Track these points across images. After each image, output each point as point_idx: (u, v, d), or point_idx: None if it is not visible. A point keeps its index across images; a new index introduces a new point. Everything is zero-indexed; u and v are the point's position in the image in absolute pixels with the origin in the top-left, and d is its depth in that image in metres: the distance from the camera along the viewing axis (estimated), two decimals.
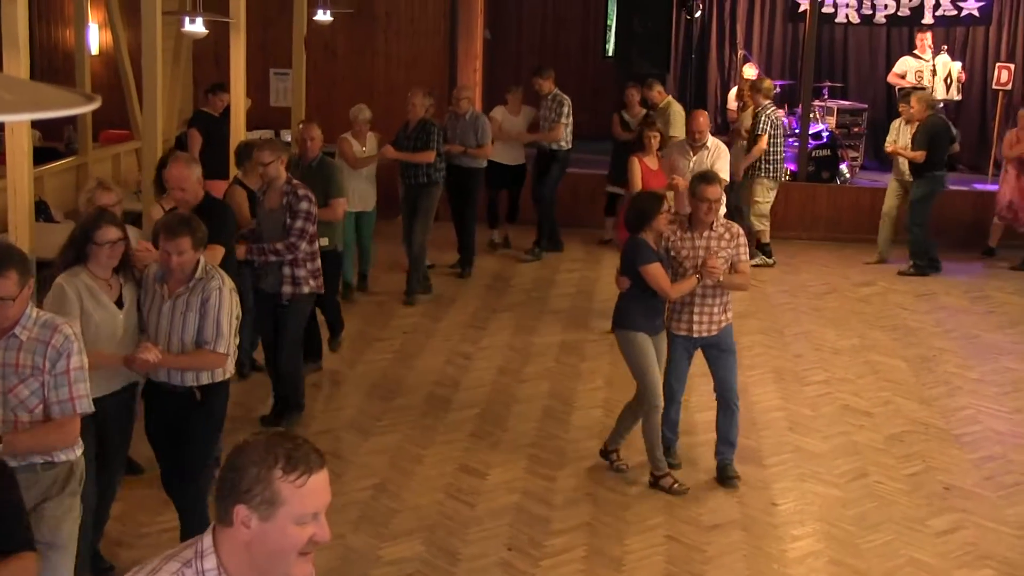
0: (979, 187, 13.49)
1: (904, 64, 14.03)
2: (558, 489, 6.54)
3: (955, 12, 14.76)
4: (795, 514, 6.32)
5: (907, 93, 11.90)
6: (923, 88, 13.59)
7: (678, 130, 11.47)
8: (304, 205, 7.02)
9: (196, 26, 9.88)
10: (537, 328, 9.61)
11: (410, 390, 8.08)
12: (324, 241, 7.91)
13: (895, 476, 6.83)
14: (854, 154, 14.01)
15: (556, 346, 9.14)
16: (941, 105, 13.70)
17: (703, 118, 9.22)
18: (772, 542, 6.01)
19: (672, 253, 6.45)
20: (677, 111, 11.70)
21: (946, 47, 14.21)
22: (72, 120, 11.23)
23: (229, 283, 5.24)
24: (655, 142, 9.24)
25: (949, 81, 13.77)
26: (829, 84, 14.64)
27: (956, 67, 13.87)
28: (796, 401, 8.05)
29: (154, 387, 5.30)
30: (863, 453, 7.15)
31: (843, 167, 13.51)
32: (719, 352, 6.58)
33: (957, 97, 13.86)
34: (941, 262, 11.67)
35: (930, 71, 13.75)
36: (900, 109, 11.78)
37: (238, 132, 9.48)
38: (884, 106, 15.12)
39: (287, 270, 7.10)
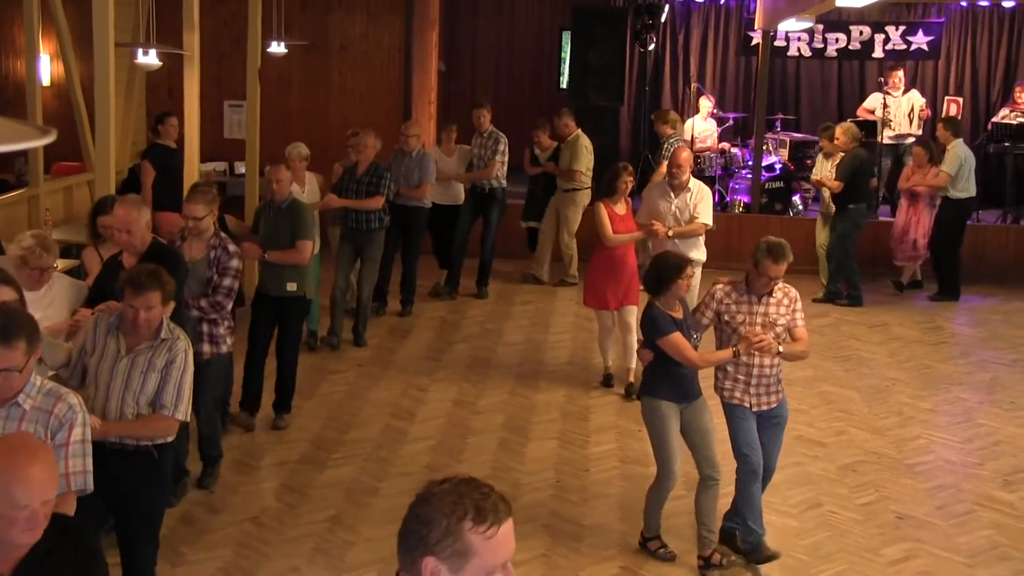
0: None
1: (874, 100, 14.18)
2: (513, 521, 6.50)
3: (904, 46, 15.03)
4: None
5: (826, 127, 12.07)
6: (875, 122, 13.77)
7: (583, 164, 11.65)
8: (235, 263, 6.67)
9: (149, 58, 9.84)
10: (492, 360, 9.61)
11: (365, 422, 8.03)
12: (293, 286, 7.74)
13: (848, 506, 6.87)
14: (807, 186, 14.17)
15: (511, 378, 9.14)
16: (911, 140, 13.82)
17: (685, 153, 8.75)
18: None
19: (726, 318, 5.97)
20: (585, 144, 11.73)
21: (910, 87, 14.40)
22: (23, 152, 11.11)
23: (189, 343, 4.98)
24: (628, 187, 8.65)
25: (912, 115, 13.94)
26: (782, 116, 14.82)
27: (920, 102, 14.03)
28: None
29: (99, 449, 4.40)
30: (817, 483, 7.19)
31: (796, 199, 13.66)
32: (771, 425, 6.05)
33: (918, 132, 14.03)
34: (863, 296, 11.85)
35: (896, 107, 13.93)
36: (821, 144, 11.97)
37: (192, 164, 9.45)
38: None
39: (205, 327, 6.65)
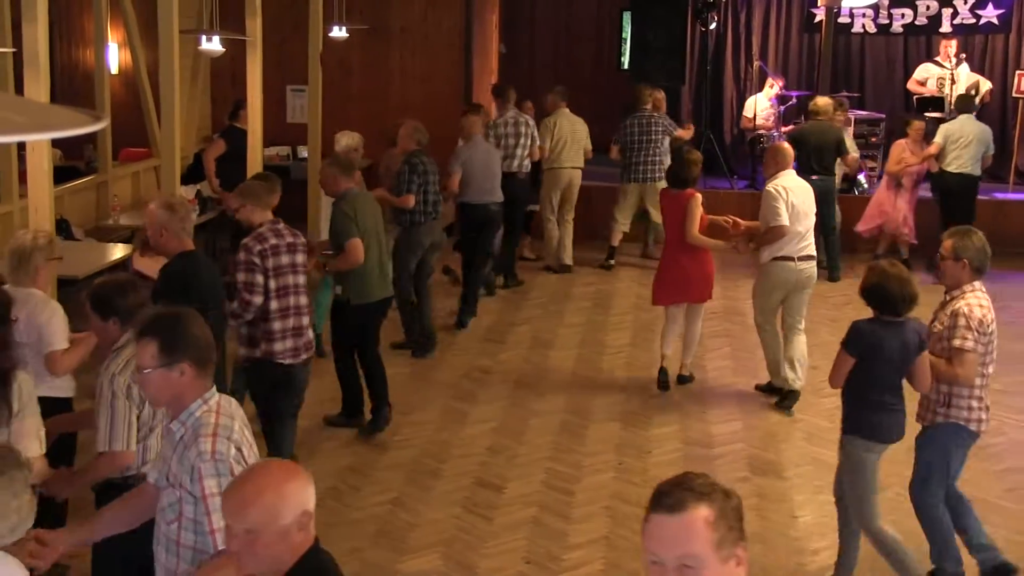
0: (999, 196, 13.43)
1: (926, 71, 13.95)
2: (575, 503, 6.53)
3: (973, 20, 14.71)
4: (814, 526, 6.28)
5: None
6: (941, 97, 13.51)
7: (544, 143, 11.45)
8: (240, 256, 6.17)
9: (213, 44, 9.96)
10: (554, 341, 9.62)
11: (427, 404, 8.09)
12: (337, 290, 7.49)
13: None
14: (872, 164, 13.97)
15: (573, 359, 9.14)
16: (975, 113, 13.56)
17: (773, 147, 8.47)
18: (792, 555, 5.99)
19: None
20: (547, 123, 11.59)
21: (964, 55, 14.15)
22: (92, 139, 11.32)
23: (109, 366, 4.33)
24: (698, 170, 8.36)
25: (974, 93, 13.64)
26: (846, 94, 14.59)
27: (986, 85, 13.74)
28: (813, 412, 8.02)
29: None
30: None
31: (861, 177, 13.47)
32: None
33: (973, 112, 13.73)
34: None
35: (950, 79, 13.67)
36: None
37: (255, 149, 9.56)
38: (901, 115, 15.07)
39: (244, 328, 6.31)
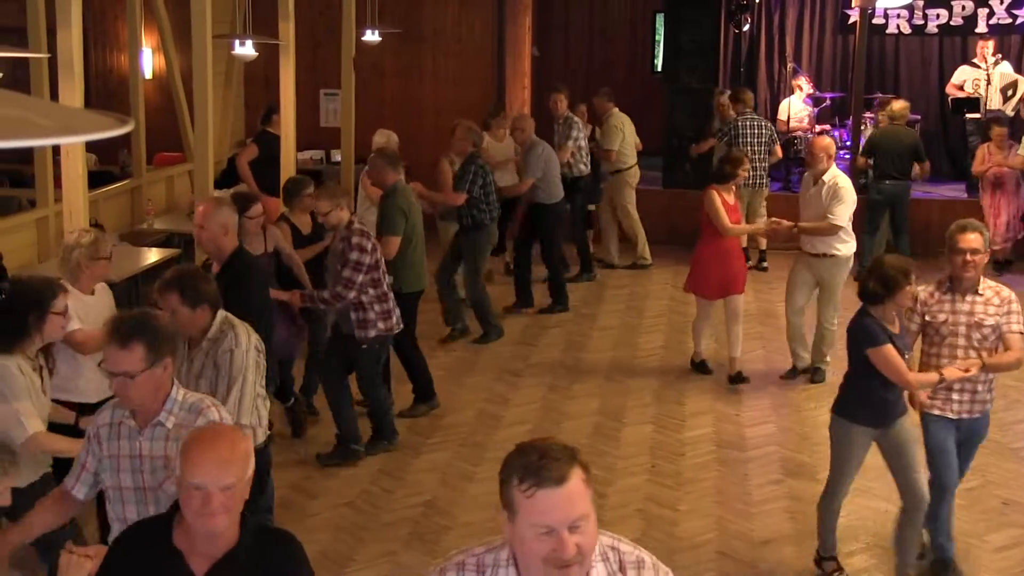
0: None
1: (962, 73, 13.80)
2: (608, 505, 6.51)
3: (1010, 20, 14.56)
4: (848, 529, 6.23)
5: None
6: (977, 98, 13.36)
7: (612, 143, 11.72)
8: (354, 256, 6.73)
9: (246, 49, 9.99)
10: (586, 344, 9.60)
11: (460, 407, 8.09)
12: (388, 279, 7.51)
13: None
14: None
15: (606, 363, 9.12)
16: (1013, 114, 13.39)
17: (823, 141, 8.42)
18: None
19: (928, 319, 5.50)
20: (615, 124, 11.75)
21: (1001, 56, 13.99)
22: (127, 143, 11.41)
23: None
24: (741, 178, 8.50)
25: (1011, 94, 13.45)
26: (880, 96, 14.48)
27: None
28: None
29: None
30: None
31: None
32: (968, 438, 5.67)
33: (1010, 113, 13.57)
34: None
35: (985, 80, 13.51)
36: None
37: (288, 153, 9.60)
38: (937, 117, 14.94)
39: (353, 315, 6.89)
